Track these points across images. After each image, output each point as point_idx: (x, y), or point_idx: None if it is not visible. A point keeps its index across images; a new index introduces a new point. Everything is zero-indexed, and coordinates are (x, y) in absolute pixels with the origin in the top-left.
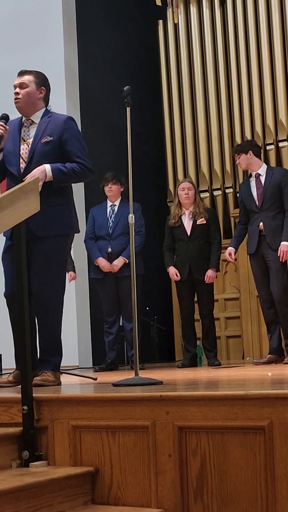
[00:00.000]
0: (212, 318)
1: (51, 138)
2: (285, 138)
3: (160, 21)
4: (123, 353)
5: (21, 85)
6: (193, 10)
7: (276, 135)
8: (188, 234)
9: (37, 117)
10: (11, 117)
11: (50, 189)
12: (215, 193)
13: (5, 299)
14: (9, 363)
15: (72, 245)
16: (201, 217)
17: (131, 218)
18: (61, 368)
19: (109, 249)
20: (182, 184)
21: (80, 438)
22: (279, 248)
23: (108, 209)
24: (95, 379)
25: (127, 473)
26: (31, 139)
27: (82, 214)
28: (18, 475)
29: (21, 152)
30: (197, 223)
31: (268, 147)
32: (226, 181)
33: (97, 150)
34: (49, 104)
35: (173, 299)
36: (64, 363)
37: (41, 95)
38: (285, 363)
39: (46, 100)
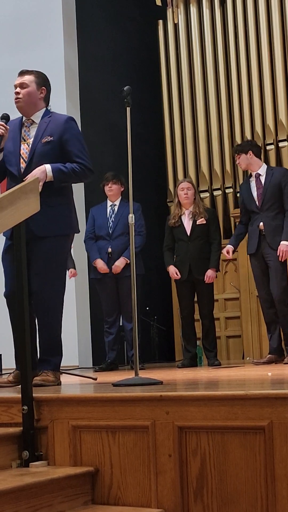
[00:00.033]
0: (212, 318)
1: (52, 138)
2: (285, 138)
3: (160, 21)
4: (123, 353)
5: (22, 85)
6: (193, 10)
7: (276, 135)
8: (188, 234)
9: (37, 117)
10: (11, 117)
11: (50, 189)
12: (215, 193)
13: (5, 299)
14: (9, 363)
15: (72, 245)
16: (201, 217)
17: (131, 218)
18: (61, 368)
19: (109, 249)
20: (181, 184)
21: (80, 438)
22: (279, 247)
23: (108, 209)
24: (95, 379)
25: (127, 473)
26: (32, 139)
27: (82, 214)
28: (18, 475)
29: (21, 152)
30: (197, 223)
31: (268, 147)
32: (226, 181)
33: (97, 150)
34: (49, 104)
35: (173, 299)
36: (64, 363)
37: (42, 95)
38: (285, 363)
39: (46, 100)
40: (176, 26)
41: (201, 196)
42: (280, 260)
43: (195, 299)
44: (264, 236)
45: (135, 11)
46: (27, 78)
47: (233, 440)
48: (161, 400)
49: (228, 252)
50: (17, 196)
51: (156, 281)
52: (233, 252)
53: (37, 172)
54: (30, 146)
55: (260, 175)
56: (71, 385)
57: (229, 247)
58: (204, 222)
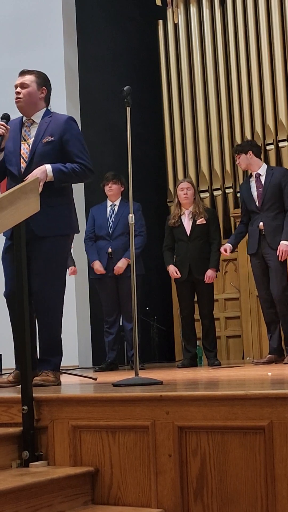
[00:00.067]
0: (212, 318)
1: (52, 138)
2: (285, 138)
3: (160, 21)
4: (123, 353)
5: (22, 85)
6: (193, 10)
7: (276, 135)
8: (188, 234)
9: (38, 117)
10: (12, 117)
11: (50, 189)
12: (215, 193)
13: (5, 299)
14: (9, 363)
15: (72, 244)
16: (201, 217)
17: (131, 218)
18: (61, 368)
19: (110, 249)
20: (181, 184)
21: (80, 438)
22: (279, 247)
23: (108, 208)
24: (95, 379)
25: (127, 473)
26: (32, 139)
27: (82, 214)
28: (18, 475)
29: (21, 152)
30: (197, 223)
31: (268, 147)
32: (226, 181)
33: (97, 150)
34: (49, 104)
35: (173, 299)
36: (64, 363)
37: (42, 95)
38: (285, 363)
39: (47, 100)
40: (176, 26)
41: (201, 196)
42: (280, 260)
43: (195, 299)
44: (264, 236)
45: (135, 11)
46: (28, 78)
47: (233, 440)
48: (161, 400)
49: (225, 250)
50: (17, 196)
51: (156, 281)
52: (232, 251)
53: (37, 172)
54: (30, 146)
55: (260, 175)
56: (71, 385)
57: (227, 246)
58: (204, 222)
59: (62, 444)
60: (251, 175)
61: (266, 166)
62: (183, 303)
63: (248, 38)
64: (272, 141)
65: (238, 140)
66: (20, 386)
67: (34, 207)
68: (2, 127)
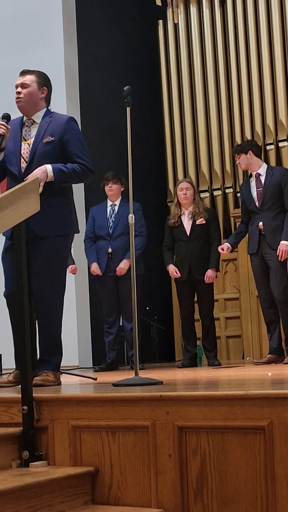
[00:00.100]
0: (212, 318)
1: (53, 138)
2: (285, 138)
3: (160, 21)
4: (123, 353)
5: (23, 85)
6: (193, 10)
7: (276, 135)
8: (188, 234)
9: (38, 117)
10: (12, 117)
11: (50, 189)
12: (215, 193)
13: (5, 299)
14: (9, 363)
15: (72, 244)
16: (201, 217)
17: (131, 218)
18: (61, 368)
19: (110, 249)
20: (180, 184)
21: (80, 438)
22: (278, 247)
23: (108, 208)
24: (95, 379)
25: (127, 473)
26: (32, 139)
27: (82, 214)
28: (18, 475)
29: (22, 152)
30: (197, 223)
31: (268, 147)
32: (226, 181)
33: (97, 150)
34: (50, 104)
35: (173, 299)
36: (64, 363)
37: (43, 95)
38: (285, 363)
39: (47, 100)
40: (176, 26)
41: (201, 196)
42: (280, 260)
43: (195, 299)
44: (264, 236)
45: (135, 11)
46: (28, 78)
47: (233, 440)
48: (161, 400)
49: (222, 249)
50: (17, 196)
51: (156, 281)
52: (232, 251)
53: (37, 172)
54: (31, 146)
55: (260, 175)
56: (71, 385)
57: (226, 245)
58: (204, 222)
59: (62, 444)
60: (251, 175)
61: (266, 166)
62: (183, 303)
63: (248, 38)
64: (272, 141)
65: (238, 140)
66: (20, 386)
67: (34, 207)
68: (2, 127)
